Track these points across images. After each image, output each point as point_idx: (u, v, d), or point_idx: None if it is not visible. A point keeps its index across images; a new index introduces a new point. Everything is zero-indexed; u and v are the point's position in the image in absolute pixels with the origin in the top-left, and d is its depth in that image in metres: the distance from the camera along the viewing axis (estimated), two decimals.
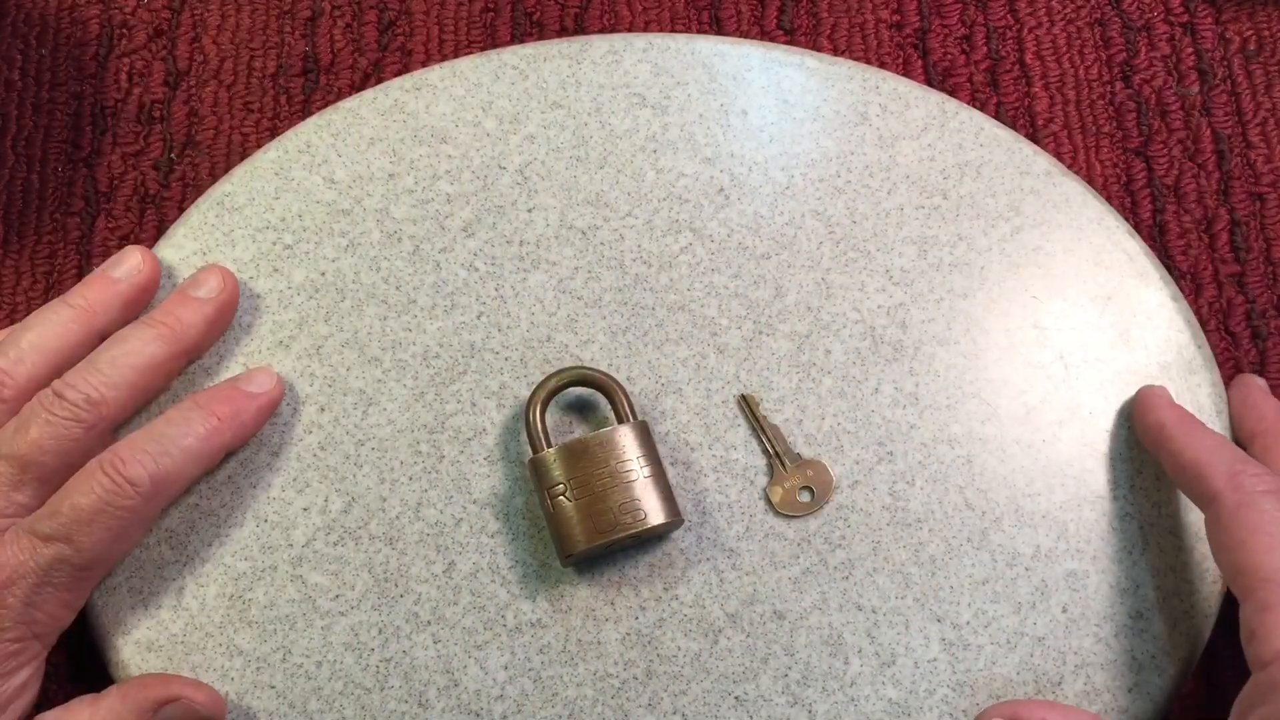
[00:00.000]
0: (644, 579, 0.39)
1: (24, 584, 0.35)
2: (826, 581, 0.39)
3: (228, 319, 0.42)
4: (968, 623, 0.39)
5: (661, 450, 0.40)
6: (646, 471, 0.38)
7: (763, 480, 0.41)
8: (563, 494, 0.38)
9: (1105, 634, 0.39)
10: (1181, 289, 0.44)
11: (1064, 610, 0.39)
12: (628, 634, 0.39)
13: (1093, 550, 0.40)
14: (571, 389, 0.41)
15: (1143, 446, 0.40)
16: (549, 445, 0.39)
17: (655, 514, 0.38)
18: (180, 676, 0.37)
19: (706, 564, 0.40)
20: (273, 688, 0.38)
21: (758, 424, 0.41)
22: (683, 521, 0.39)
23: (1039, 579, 0.39)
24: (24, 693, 0.36)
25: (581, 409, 0.41)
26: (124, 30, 0.49)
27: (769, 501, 0.40)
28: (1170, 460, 0.38)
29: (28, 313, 0.45)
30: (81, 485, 0.36)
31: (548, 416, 0.40)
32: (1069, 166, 0.46)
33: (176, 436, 0.38)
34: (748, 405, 0.41)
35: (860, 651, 0.39)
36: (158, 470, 0.37)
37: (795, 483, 0.40)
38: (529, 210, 0.44)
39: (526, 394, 0.41)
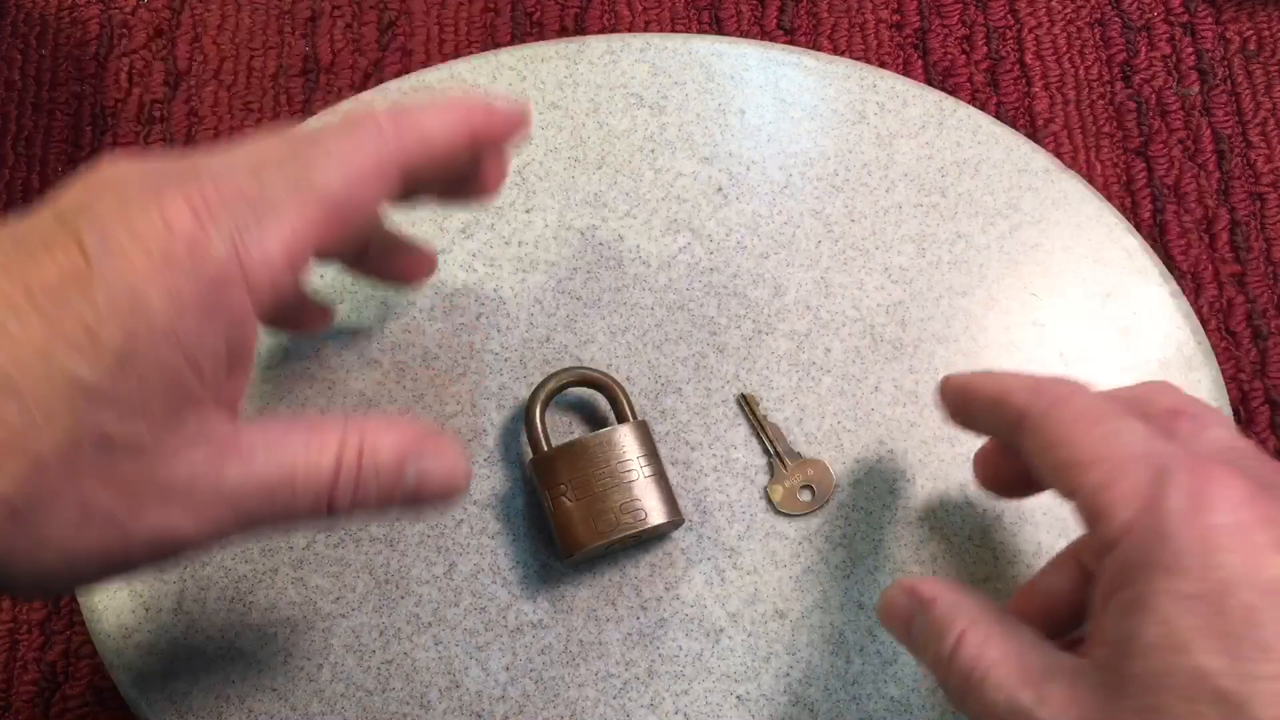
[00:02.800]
0: (645, 579, 0.39)
1: (242, 208, 0.28)
2: (828, 580, 0.39)
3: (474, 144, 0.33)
4: None
5: (661, 450, 0.40)
6: (647, 471, 0.38)
7: (763, 479, 0.41)
8: (564, 494, 0.38)
9: None
10: (1182, 288, 0.44)
11: None
12: (629, 634, 0.39)
13: None
14: (572, 389, 0.41)
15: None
16: (549, 446, 0.39)
17: (656, 513, 0.38)
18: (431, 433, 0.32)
19: (707, 563, 0.40)
20: (274, 690, 0.38)
21: (758, 423, 0.41)
22: (683, 521, 0.39)
23: None
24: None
25: (582, 409, 0.41)
26: (124, 30, 0.49)
27: (770, 501, 0.40)
28: (978, 404, 0.35)
29: None
30: (319, 130, 0.31)
31: (548, 417, 0.40)
32: (1069, 166, 0.46)
33: (424, 103, 0.33)
34: (747, 404, 0.41)
35: (862, 650, 0.39)
36: (403, 116, 0.32)
37: (796, 482, 0.40)
38: (527, 211, 0.44)
39: (526, 395, 0.41)
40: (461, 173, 0.35)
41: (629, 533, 0.37)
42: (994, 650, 0.30)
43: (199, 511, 0.28)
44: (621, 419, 0.39)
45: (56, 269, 0.26)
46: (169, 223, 0.27)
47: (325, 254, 0.30)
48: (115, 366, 0.26)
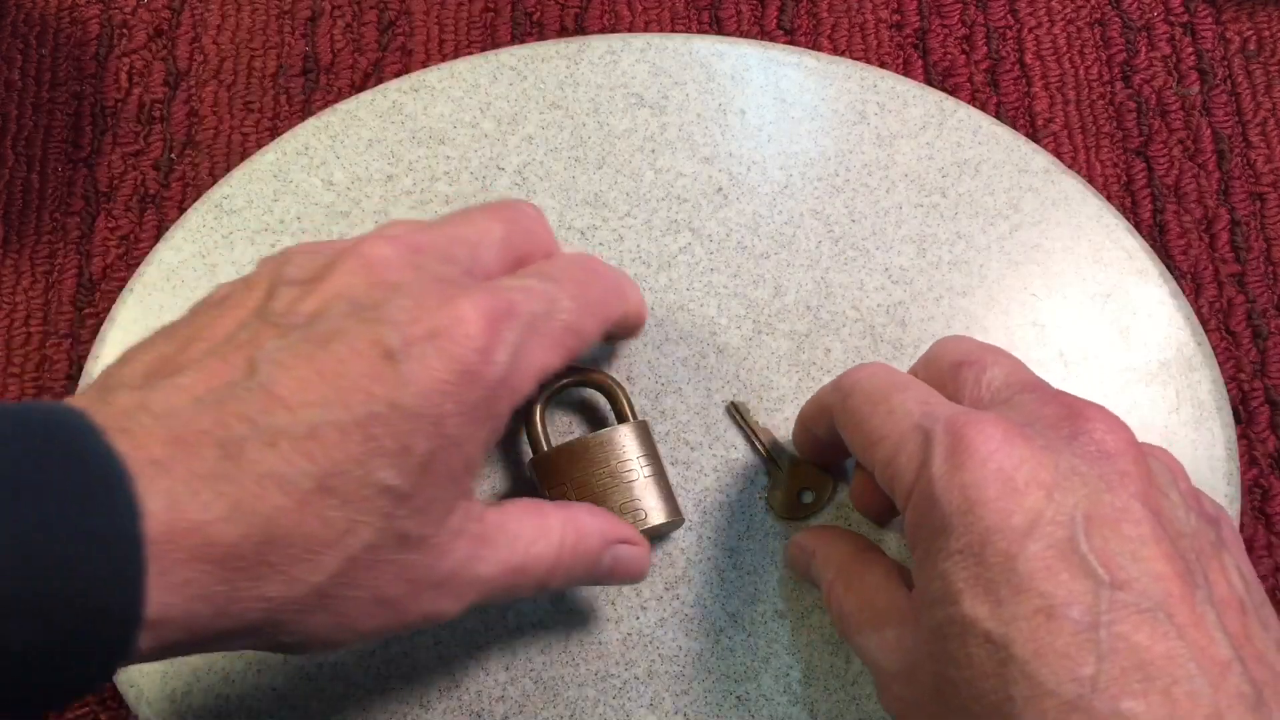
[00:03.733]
0: (645, 578, 0.39)
1: (519, 324, 0.30)
2: None
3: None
4: None
5: (661, 450, 0.40)
6: (647, 471, 0.38)
7: (763, 479, 0.41)
8: (564, 494, 0.38)
9: None
10: (1182, 289, 0.44)
11: None
12: (629, 634, 0.39)
13: None
14: (572, 389, 0.41)
15: None
16: (549, 445, 0.39)
17: (656, 514, 0.38)
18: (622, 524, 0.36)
19: (707, 563, 0.40)
20: (274, 689, 0.38)
21: (750, 430, 0.41)
22: (683, 521, 0.39)
23: None
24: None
25: (582, 409, 0.41)
26: (124, 30, 0.49)
27: (770, 507, 0.40)
28: (807, 421, 0.38)
29: (27, 312, 0.45)
30: (559, 262, 0.35)
31: (548, 416, 0.40)
32: (1069, 167, 0.46)
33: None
34: (738, 412, 0.41)
35: None
36: (621, 280, 0.37)
37: (795, 485, 0.40)
38: None
39: None
40: None
41: None
42: (850, 599, 0.33)
43: (459, 598, 0.31)
44: (622, 419, 0.39)
45: (361, 368, 0.28)
46: (467, 331, 0.29)
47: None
48: (418, 473, 0.28)
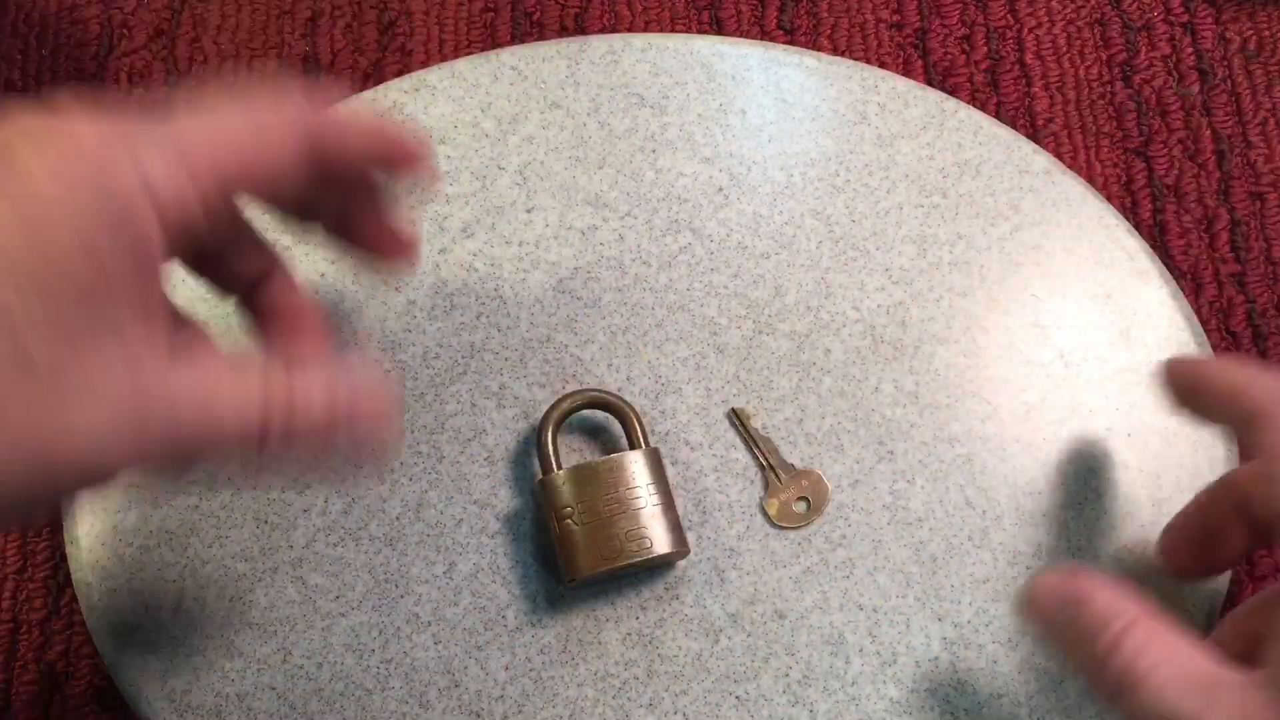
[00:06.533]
0: (644, 579, 0.39)
1: (137, 138, 0.28)
2: (827, 581, 0.39)
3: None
4: (969, 621, 0.39)
5: (661, 449, 0.40)
6: (655, 500, 0.38)
7: (763, 479, 0.41)
8: (570, 517, 0.37)
9: None
10: (1182, 289, 0.44)
11: None
12: (628, 634, 0.39)
13: (1094, 549, 0.40)
14: (585, 411, 0.40)
15: (1182, 415, 0.38)
16: (559, 466, 0.39)
17: (661, 543, 0.37)
18: None
19: (707, 563, 0.40)
20: (273, 689, 0.38)
21: (750, 438, 0.41)
22: (689, 552, 0.39)
23: None
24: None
25: (594, 432, 0.41)
26: (124, 30, 0.49)
27: (766, 515, 0.40)
28: (1214, 396, 0.35)
29: None
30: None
31: (560, 438, 0.40)
32: (1069, 166, 0.46)
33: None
34: (739, 419, 0.41)
35: (861, 651, 0.39)
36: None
37: (791, 494, 0.40)
38: (528, 211, 0.44)
39: (526, 394, 0.41)
40: (358, 191, 0.35)
41: (632, 560, 0.37)
42: (1155, 652, 0.30)
43: (119, 422, 0.27)
44: (634, 444, 0.39)
45: None
46: (78, 144, 0.27)
47: (247, 189, 0.30)
48: (28, 286, 0.26)
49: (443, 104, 0.45)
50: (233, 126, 0.30)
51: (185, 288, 0.43)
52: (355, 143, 0.33)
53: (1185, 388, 0.36)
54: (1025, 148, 0.44)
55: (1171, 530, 0.38)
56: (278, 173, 0.31)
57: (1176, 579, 0.38)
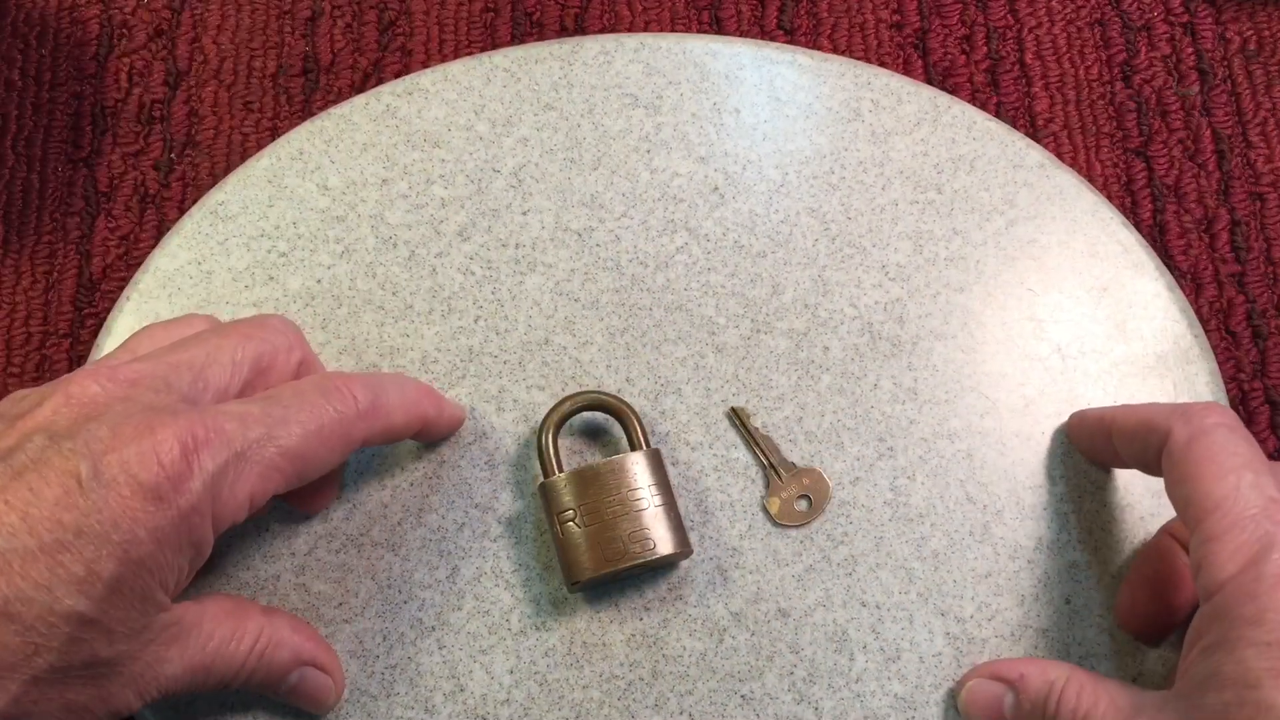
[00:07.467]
0: (647, 579, 0.39)
1: (223, 451, 0.32)
2: (830, 578, 0.39)
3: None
4: (971, 616, 0.39)
5: (662, 449, 0.40)
6: (658, 501, 0.38)
7: (764, 478, 0.41)
8: (572, 520, 0.37)
9: (1109, 624, 0.39)
10: (1182, 289, 0.44)
11: (1067, 602, 0.39)
12: (632, 635, 0.39)
13: (1095, 541, 0.40)
14: (585, 413, 0.40)
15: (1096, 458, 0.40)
16: (560, 470, 0.39)
17: (664, 544, 0.37)
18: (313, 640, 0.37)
19: (710, 563, 0.40)
20: None
21: (750, 437, 0.41)
22: (691, 552, 0.39)
23: (1042, 571, 0.40)
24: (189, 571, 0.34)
25: (594, 434, 0.41)
26: (124, 30, 0.48)
27: (767, 513, 0.40)
28: (1120, 435, 0.38)
29: (27, 312, 0.45)
30: (301, 384, 0.35)
31: (559, 440, 0.40)
32: (1069, 166, 0.46)
33: (392, 388, 0.37)
34: (739, 418, 0.41)
35: (865, 647, 0.39)
36: (377, 400, 0.36)
37: (792, 492, 0.40)
38: (524, 213, 0.44)
39: (526, 397, 0.41)
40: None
41: (636, 562, 0.37)
42: (1088, 697, 0.34)
43: (142, 695, 0.32)
44: (635, 446, 0.39)
45: (51, 496, 0.29)
46: (160, 458, 0.30)
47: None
48: (105, 597, 0.30)
49: (436, 107, 0.45)
50: (295, 450, 0.33)
51: (194, 288, 0.43)
52: (397, 435, 0.38)
53: (1095, 432, 0.39)
54: (1019, 142, 0.45)
55: (1127, 589, 0.39)
56: (315, 473, 0.35)
57: (1146, 643, 0.39)
